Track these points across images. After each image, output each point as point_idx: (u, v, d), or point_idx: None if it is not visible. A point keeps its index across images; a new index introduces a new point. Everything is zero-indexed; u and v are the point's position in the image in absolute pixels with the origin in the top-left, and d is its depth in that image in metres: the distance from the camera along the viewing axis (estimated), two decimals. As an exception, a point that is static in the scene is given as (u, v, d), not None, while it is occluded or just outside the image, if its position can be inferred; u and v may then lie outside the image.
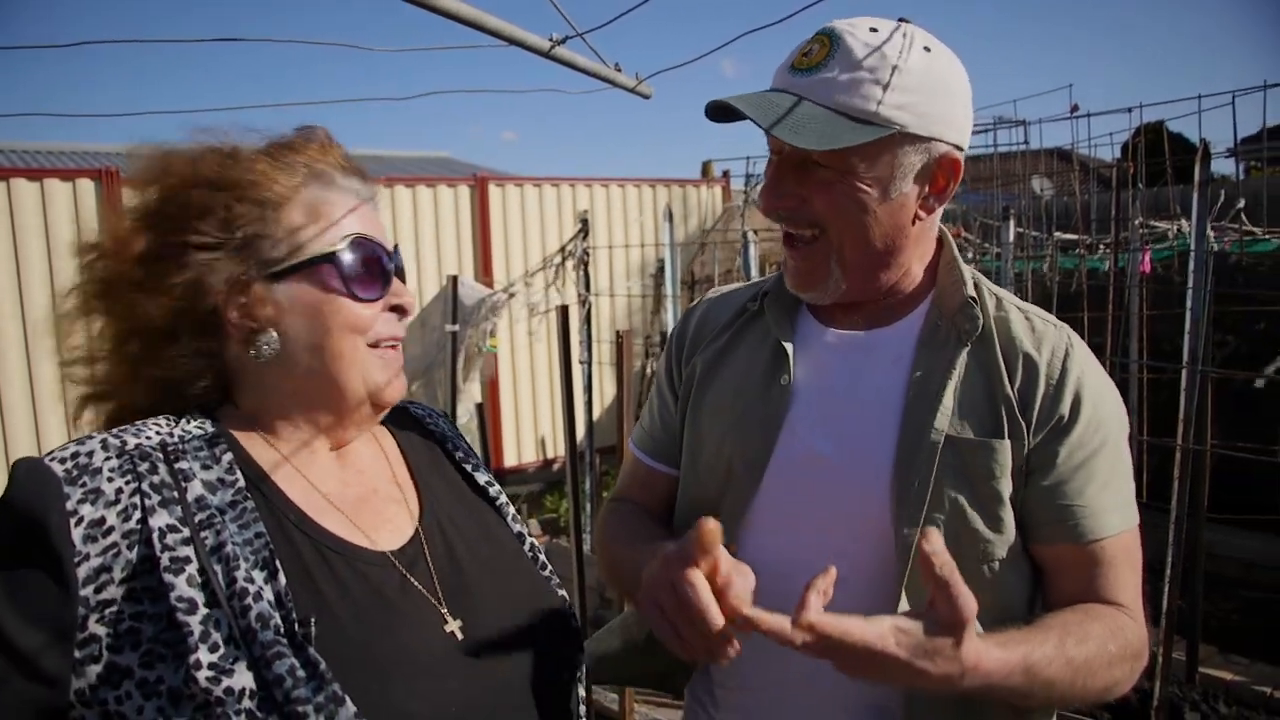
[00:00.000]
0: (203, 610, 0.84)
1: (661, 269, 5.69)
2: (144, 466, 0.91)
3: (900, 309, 1.27)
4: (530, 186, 8.32)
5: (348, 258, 1.01)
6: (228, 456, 0.96)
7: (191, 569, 0.86)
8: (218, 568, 0.87)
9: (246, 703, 0.82)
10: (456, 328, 4.46)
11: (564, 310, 4.64)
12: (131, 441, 0.93)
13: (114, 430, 0.94)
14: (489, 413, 7.71)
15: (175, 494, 0.90)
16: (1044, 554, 1.19)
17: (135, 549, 0.86)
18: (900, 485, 1.16)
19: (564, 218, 8.38)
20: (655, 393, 1.47)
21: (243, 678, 0.83)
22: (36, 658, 0.82)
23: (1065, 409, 1.18)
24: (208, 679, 0.82)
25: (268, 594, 0.87)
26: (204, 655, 0.82)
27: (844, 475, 1.20)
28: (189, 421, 0.99)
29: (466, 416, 4.83)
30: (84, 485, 0.87)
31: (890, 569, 1.16)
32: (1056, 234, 5.31)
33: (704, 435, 1.32)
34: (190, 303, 0.97)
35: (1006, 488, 1.16)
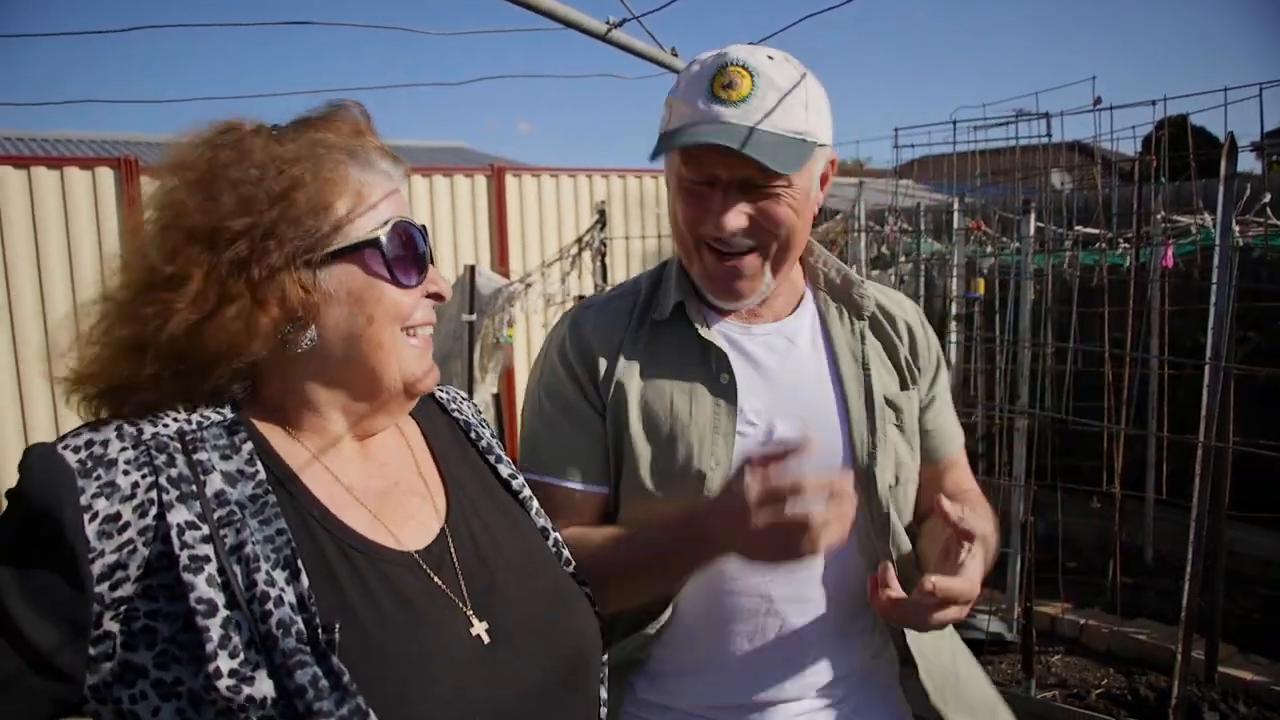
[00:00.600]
0: (223, 613, 0.81)
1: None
2: (161, 459, 0.87)
3: (790, 298, 1.45)
4: (547, 177, 8.31)
5: (391, 243, 0.97)
6: (248, 446, 0.92)
7: (211, 569, 0.83)
8: (237, 568, 0.83)
9: (268, 711, 0.80)
10: (474, 318, 4.45)
11: (580, 300, 4.65)
12: (148, 430, 0.89)
13: (129, 418, 0.90)
14: (505, 403, 7.72)
15: (194, 488, 0.86)
16: (928, 470, 1.48)
17: (151, 546, 0.83)
18: (856, 440, 1.37)
19: (581, 208, 8.37)
20: (560, 416, 1.39)
21: (263, 685, 0.80)
22: (52, 654, 0.81)
23: (934, 359, 1.50)
24: (229, 687, 0.79)
25: (289, 596, 0.84)
26: (224, 662, 0.80)
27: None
28: (206, 408, 0.94)
29: (484, 407, 4.84)
30: (98, 478, 0.84)
31: (860, 520, 1.31)
32: (1077, 228, 5.25)
33: (639, 448, 1.34)
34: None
35: (915, 426, 1.45)
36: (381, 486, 1.02)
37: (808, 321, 1.44)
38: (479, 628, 0.96)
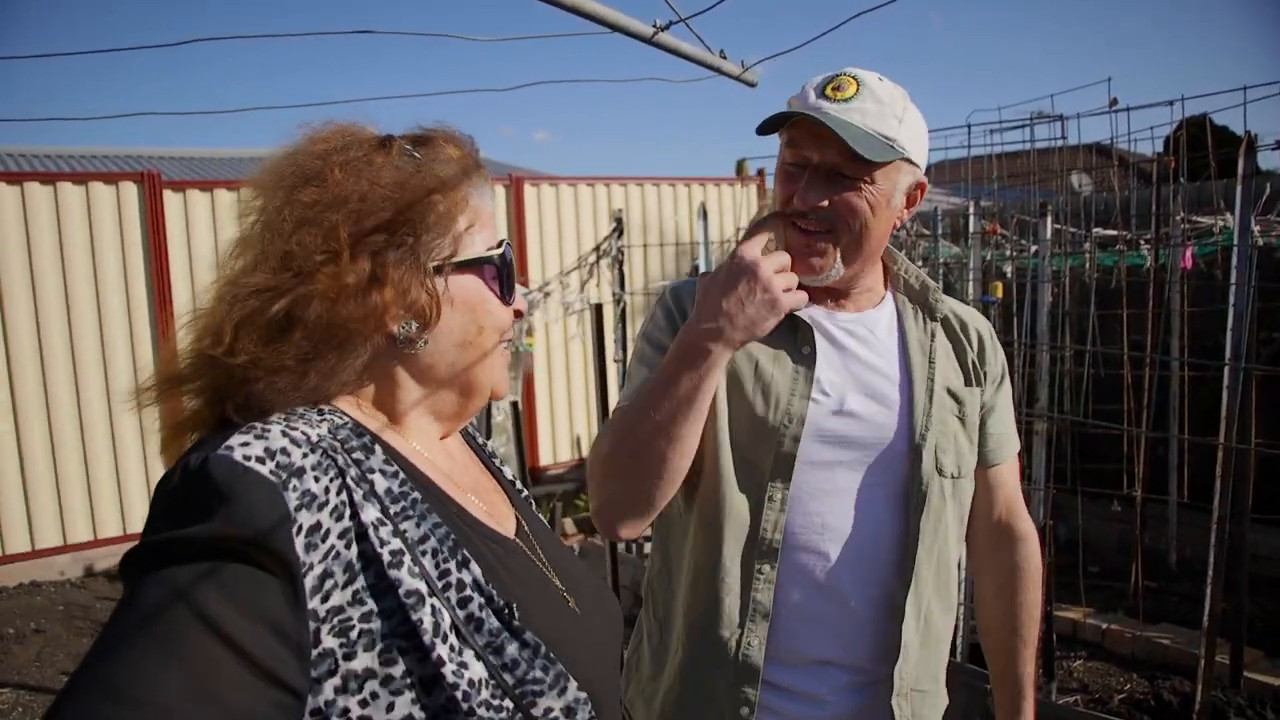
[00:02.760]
0: (429, 602, 0.85)
1: (696, 269, 5.67)
2: (340, 460, 0.87)
3: (874, 298, 1.63)
4: (565, 186, 8.36)
5: (503, 260, 1.04)
6: (378, 447, 0.93)
7: (407, 560, 0.85)
8: (424, 560, 0.87)
9: (484, 693, 0.85)
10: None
11: (598, 309, 4.66)
12: (312, 433, 0.88)
13: (281, 422, 0.88)
14: (525, 411, 7.76)
15: (369, 487, 0.88)
16: (985, 474, 1.66)
17: (352, 548, 0.84)
18: (916, 420, 1.53)
19: (599, 217, 8.41)
20: (652, 353, 1.56)
21: (477, 668, 0.85)
22: (293, 682, 0.78)
23: (1000, 367, 1.68)
24: (453, 673, 0.83)
25: (469, 582, 0.89)
26: (442, 650, 0.84)
27: (871, 421, 1.52)
28: (321, 413, 0.93)
29: (502, 415, 4.87)
30: (295, 489, 0.82)
31: (904, 497, 1.53)
32: (1095, 230, 5.22)
33: (721, 401, 1.51)
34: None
35: (976, 422, 1.62)
36: (472, 483, 1.09)
37: (886, 317, 1.62)
38: (571, 602, 1.05)
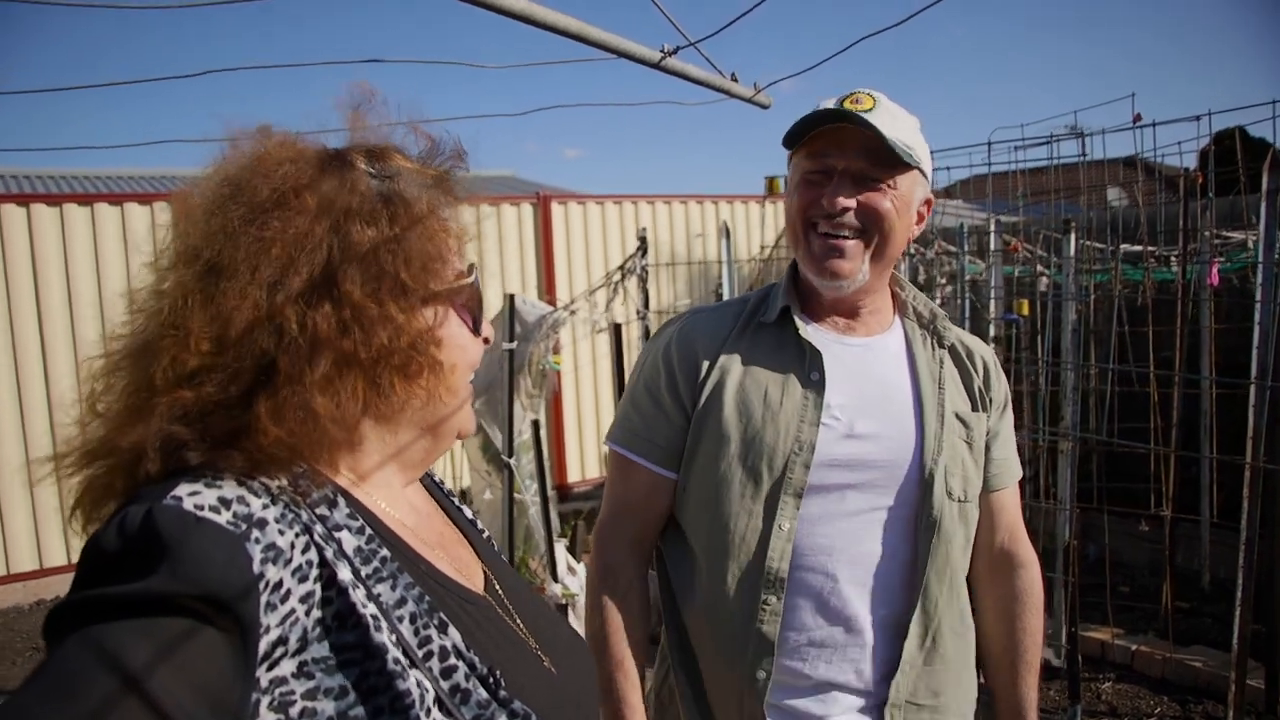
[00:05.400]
0: (411, 674, 0.76)
1: (719, 293, 5.70)
2: (305, 514, 0.77)
3: (883, 322, 1.64)
4: (593, 204, 8.43)
5: (474, 287, 0.94)
6: (342, 500, 0.83)
7: (385, 628, 0.76)
8: (402, 627, 0.78)
9: None
10: (514, 345, 4.53)
11: (617, 328, 4.69)
12: (272, 484, 0.77)
13: (237, 474, 0.77)
14: (552, 430, 7.80)
15: (337, 545, 0.78)
16: (987, 500, 1.66)
17: (312, 613, 0.73)
18: (927, 446, 1.53)
19: (627, 234, 8.46)
20: (648, 403, 1.60)
21: None
22: None
23: (1003, 394, 1.70)
24: None
25: (450, 648, 0.80)
26: None
27: (882, 444, 1.52)
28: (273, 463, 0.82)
29: (526, 434, 4.90)
30: (258, 540, 0.71)
31: (914, 520, 1.53)
32: (1123, 246, 5.17)
33: (730, 429, 1.52)
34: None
35: (982, 447, 1.63)
36: (437, 537, 0.98)
37: (895, 342, 1.64)
38: (547, 662, 0.96)
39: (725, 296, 6.09)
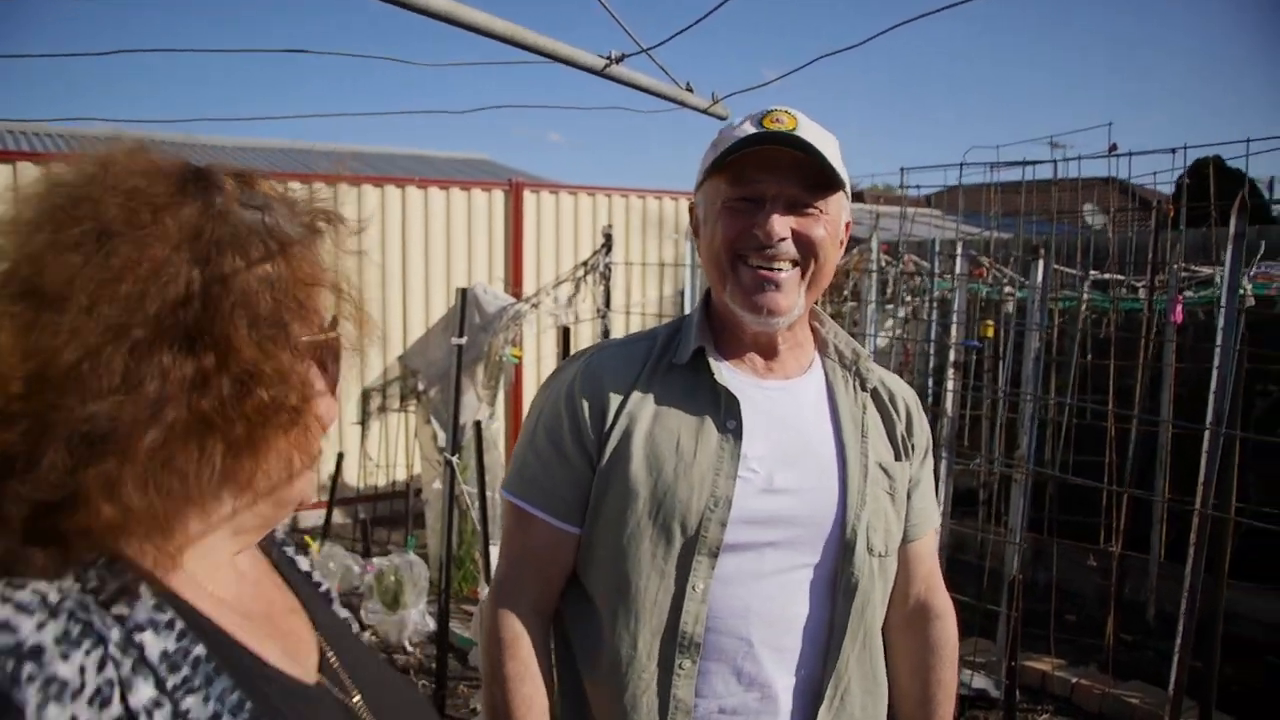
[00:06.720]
0: None
1: (682, 294, 5.60)
2: (98, 620, 0.65)
3: (802, 362, 1.53)
4: (566, 195, 8.29)
5: (338, 341, 0.83)
6: (144, 589, 0.70)
7: None
8: None
9: None
10: (463, 341, 4.41)
11: (565, 332, 4.59)
12: (47, 588, 0.64)
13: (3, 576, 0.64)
14: (511, 424, 7.69)
15: (138, 653, 0.66)
16: (904, 550, 1.56)
17: None
18: (850, 499, 1.44)
19: (599, 227, 8.33)
20: (548, 450, 1.47)
21: None
22: None
23: (925, 440, 1.60)
24: None
25: None
26: None
27: (803, 499, 1.42)
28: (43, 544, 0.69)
29: (468, 435, 4.78)
30: (33, 679, 0.59)
31: (833, 578, 1.44)
32: (1092, 274, 5.13)
33: (638, 483, 1.39)
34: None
35: (904, 498, 1.54)
36: (265, 608, 0.87)
37: (815, 385, 1.52)
38: None
39: (688, 300, 6.00)
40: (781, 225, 1.38)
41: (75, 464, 0.66)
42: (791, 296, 1.41)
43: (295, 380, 0.77)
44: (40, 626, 0.61)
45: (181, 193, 0.74)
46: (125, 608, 0.68)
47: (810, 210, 1.40)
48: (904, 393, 1.60)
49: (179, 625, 0.70)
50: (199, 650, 0.70)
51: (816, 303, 1.53)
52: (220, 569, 0.81)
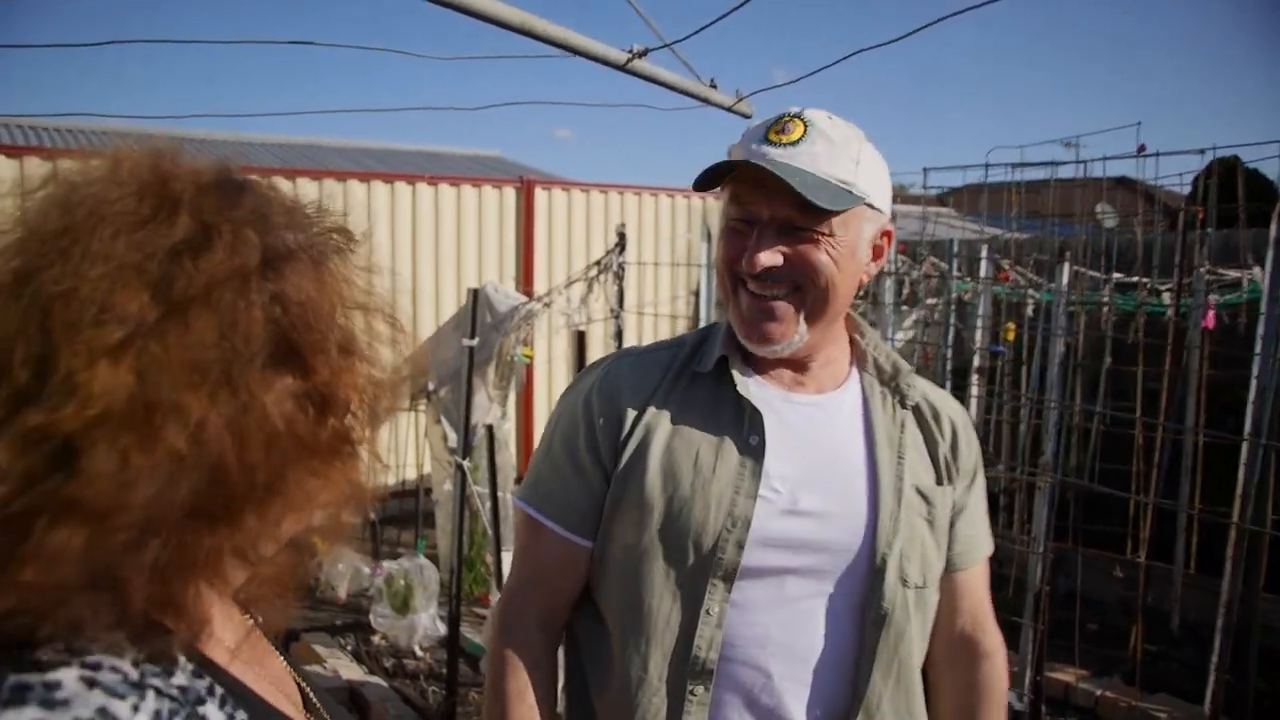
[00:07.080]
0: None
1: (696, 294, 5.51)
2: (176, 694, 0.62)
3: (837, 376, 1.44)
4: (578, 192, 8.20)
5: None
6: (175, 648, 0.66)
7: None
8: None
9: None
10: (475, 342, 4.33)
11: (580, 335, 4.51)
12: (119, 664, 0.59)
13: (72, 661, 0.58)
14: (523, 424, 7.61)
15: None
16: (950, 580, 1.45)
17: None
18: (881, 526, 1.34)
19: (611, 225, 8.23)
20: (564, 460, 1.41)
21: None
22: None
23: (973, 462, 1.48)
24: None
25: None
26: None
27: (829, 524, 1.33)
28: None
29: (479, 437, 4.70)
30: None
31: (861, 610, 1.34)
32: (1116, 276, 5.02)
33: (653, 498, 1.33)
34: None
35: (945, 526, 1.43)
36: (250, 645, 0.79)
37: (850, 400, 1.43)
38: None
39: (704, 300, 5.91)
40: (769, 255, 1.29)
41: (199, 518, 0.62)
42: (787, 325, 1.33)
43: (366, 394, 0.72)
44: (135, 710, 0.57)
45: (231, 202, 0.66)
46: (184, 678, 0.63)
47: (809, 234, 1.29)
48: (950, 410, 1.49)
49: (219, 691, 0.66)
50: (242, 715, 0.67)
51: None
52: (227, 620, 0.75)
